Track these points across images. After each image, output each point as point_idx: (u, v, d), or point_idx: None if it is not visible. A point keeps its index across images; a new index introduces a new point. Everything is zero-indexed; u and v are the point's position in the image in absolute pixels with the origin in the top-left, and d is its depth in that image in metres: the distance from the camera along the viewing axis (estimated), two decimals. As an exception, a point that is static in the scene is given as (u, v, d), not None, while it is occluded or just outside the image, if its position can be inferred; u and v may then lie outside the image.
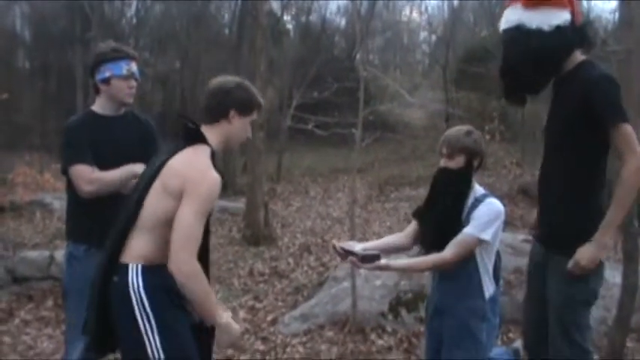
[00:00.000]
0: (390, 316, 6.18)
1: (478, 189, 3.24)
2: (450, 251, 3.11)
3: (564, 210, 3.15)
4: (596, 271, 3.11)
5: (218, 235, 11.14)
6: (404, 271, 3.30)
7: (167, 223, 2.68)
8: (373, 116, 10.40)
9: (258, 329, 6.38)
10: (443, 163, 3.23)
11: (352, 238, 6.74)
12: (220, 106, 2.84)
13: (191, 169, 2.71)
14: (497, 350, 3.56)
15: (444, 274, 3.27)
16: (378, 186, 16.20)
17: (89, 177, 3.48)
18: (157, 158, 2.88)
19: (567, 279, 3.10)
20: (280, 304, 7.34)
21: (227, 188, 16.31)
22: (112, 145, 3.58)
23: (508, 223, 8.67)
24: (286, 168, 19.12)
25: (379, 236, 10.91)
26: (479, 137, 3.22)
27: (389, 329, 6.06)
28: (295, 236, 11.31)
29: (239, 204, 13.29)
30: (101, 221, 3.52)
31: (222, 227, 11.94)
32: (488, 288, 3.22)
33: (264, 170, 12.49)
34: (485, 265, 3.20)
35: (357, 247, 3.23)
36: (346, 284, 6.67)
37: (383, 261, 3.09)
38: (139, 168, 3.57)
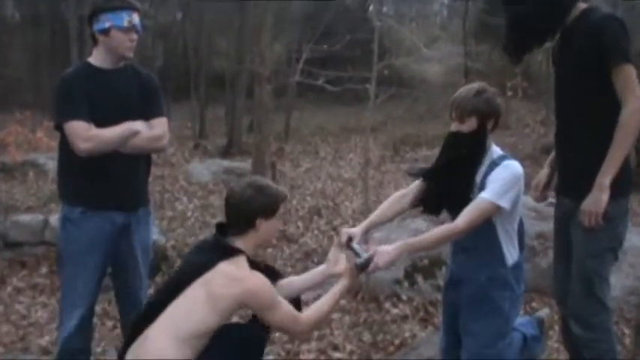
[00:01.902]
0: (406, 284, 6.19)
1: (495, 150, 3.18)
2: (462, 220, 3.05)
3: (588, 158, 3.18)
4: (620, 215, 3.18)
5: (223, 198, 11.15)
6: (414, 252, 3.26)
7: (202, 337, 2.78)
8: (388, 71, 10.31)
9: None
10: (454, 127, 3.16)
11: (365, 200, 6.74)
12: (245, 219, 2.92)
13: (242, 285, 2.79)
14: (521, 320, 3.56)
15: (460, 244, 3.24)
16: (393, 146, 16.17)
17: (86, 134, 3.44)
18: (186, 266, 2.96)
19: (588, 229, 3.16)
20: (289, 270, 7.36)
21: (233, 147, 16.33)
22: (111, 100, 3.54)
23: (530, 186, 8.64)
24: (295, 127, 19.09)
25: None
26: (491, 95, 3.14)
27: (404, 297, 6.08)
28: (305, 199, 11.33)
29: (245, 164, 13.28)
30: (98, 181, 3.54)
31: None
32: (512, 255, 3.20)
33: (272, 129, 12.46)
34: (507, 232, 3.17)
35: (357, 229, 3.27)
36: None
37: (386, 247, 3.04)
38: (140, 125, 3.57)
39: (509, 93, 14.93)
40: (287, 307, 2.91)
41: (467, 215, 3.05)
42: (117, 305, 3.88)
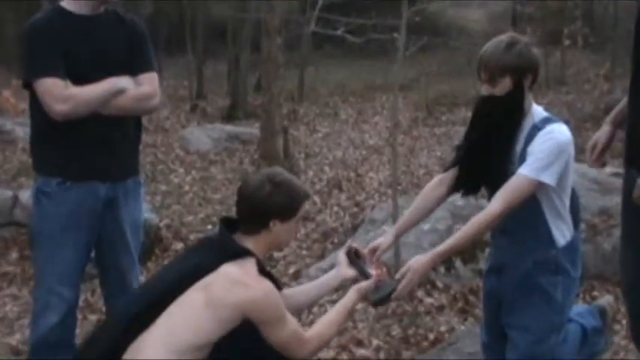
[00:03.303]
0: (442, 269, 6.19)
1: (537, 112, 3.15)
2: (498, 203, 3.04)
3: None
4: None
5: (226, 169, 11.21)
6: (447, 255, 3.27)
7: (202, 349, 2.80)
8: (420, 18, 10.23)
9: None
10: (485, 90, 3.14)
11: (394, 171, 6.72)
12: (258, 218, 2.93)
13: (247, 292, 2.80)
14: (579, 309, 3.55)
15: (499, 225, 3.22)
16: (426, 106, 16.11)
17: (62, 93, 3.43)
18: (184, 263, 2.98)
19: None
20: (304, 252, 7.39)
21: (237, 109, 16.32)
22: (90, 53, 3.53)
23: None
24: (310, 85, 19.02)
25: (426, 169, 10.93)
26: (524, 47, 3.09)
27: (440, 284, 6.09)
28: (322, 169, 11.33)
29: (252, 129, 13.28)
30: (78, 149, 3.55)
31: (232, 159, 11.99)
32: (563, 234, 3.19)
33: (283, 87, 12.42)
34: (555, 208, 3.16)
35: (386, 238, 3.32)
36: (386, 228, 6.64)
37: (419, 260, 3.08)
38: (125, 82, 3.57)
39: (567, 42, 14.80)
40: (295, 326, 2.92)
41: (502, 197, 3.04)
42: (102, 293, 3.91)
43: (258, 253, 2.93)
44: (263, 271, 2.92)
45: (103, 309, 3.86)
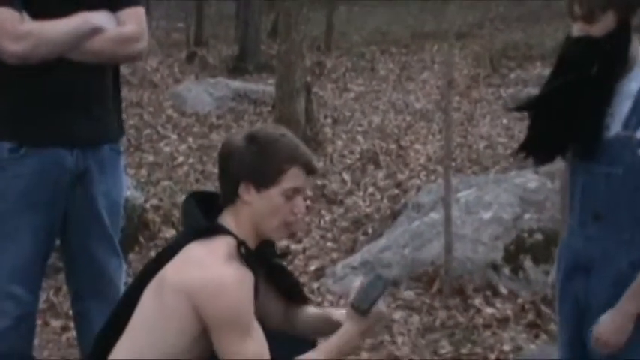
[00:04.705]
0: (506, 270, 6.19)
1: None
2: None
3: None
4: None
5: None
6: None
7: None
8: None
9: (296, 285, 6.42)
10: (577, 29, 3.10)
11: (446, 143, 6.69)
12: (225, 180, 2.93)
13: (198, 274, 2.75)
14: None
15: (591, 208, 3.18)
16: (490, 60, 16.08)
17: (16, 29, 3.41)
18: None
19: None
20: (329, 245, 7.40)
21: (246, 60, 16.33)
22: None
23: None
24: (341, 30, 19.04)
25: (489, 142, 10.90)
26: None
27: (503, 290, 6.07)
28: (354, 139, 11.34)
29: (265, 86, 13.34)
30: (38, 103, 3.53)
31: (238, 123, 12.07)
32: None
33: (306, 33, 12.37)
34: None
35: None
36: (435, 216, 6.68)
37: None
38: (102, 18, 3.54)
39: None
40: (259, 348, 2.81)
41: None
42: (70, 292, 3.91)
43: (240, 233, 2.87)
44: (248, 260, 2.83)
45: (70, 313, 3.84)
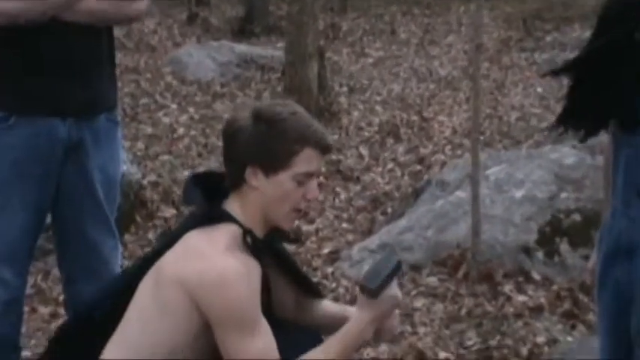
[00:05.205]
0: (540, 254, 6.19)
1: None
2: None
3: None
4: None
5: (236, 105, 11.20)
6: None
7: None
8: None
9: (309, 269, 6.41)
10: None
11: (474, 114, 6.67)
12: (231, 163, 2.92)
13: (198, 266, 2.75)
14: None
15: (637, 184, 3.16)
16: (523, 22, 16.10)
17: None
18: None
19: None
20: (345, 226, 7.41)
21: (253, 22, 16.32)
22: None
23: None
24: (357, -10, 18.99)
25: (521, 112, 10.88)
26: None
27: (537, 276, 6.06)
28: (373, 110, 11.33)
29: (274, 51, 13.35)
30: (26, 70, 3.55)
31: (245, 91, 12.09)
32: None
33: (319, -8, 12.38)
34: None
35: None
36: (462, 194, 6.69)
37: None
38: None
39: None
40: (268, 344, 2.81)
41: None
42: (61, 277, 3.93)
43: (246, 220, 2.87)
44: (254, 250, 2.85)
45: (61, 298, 3.84)
